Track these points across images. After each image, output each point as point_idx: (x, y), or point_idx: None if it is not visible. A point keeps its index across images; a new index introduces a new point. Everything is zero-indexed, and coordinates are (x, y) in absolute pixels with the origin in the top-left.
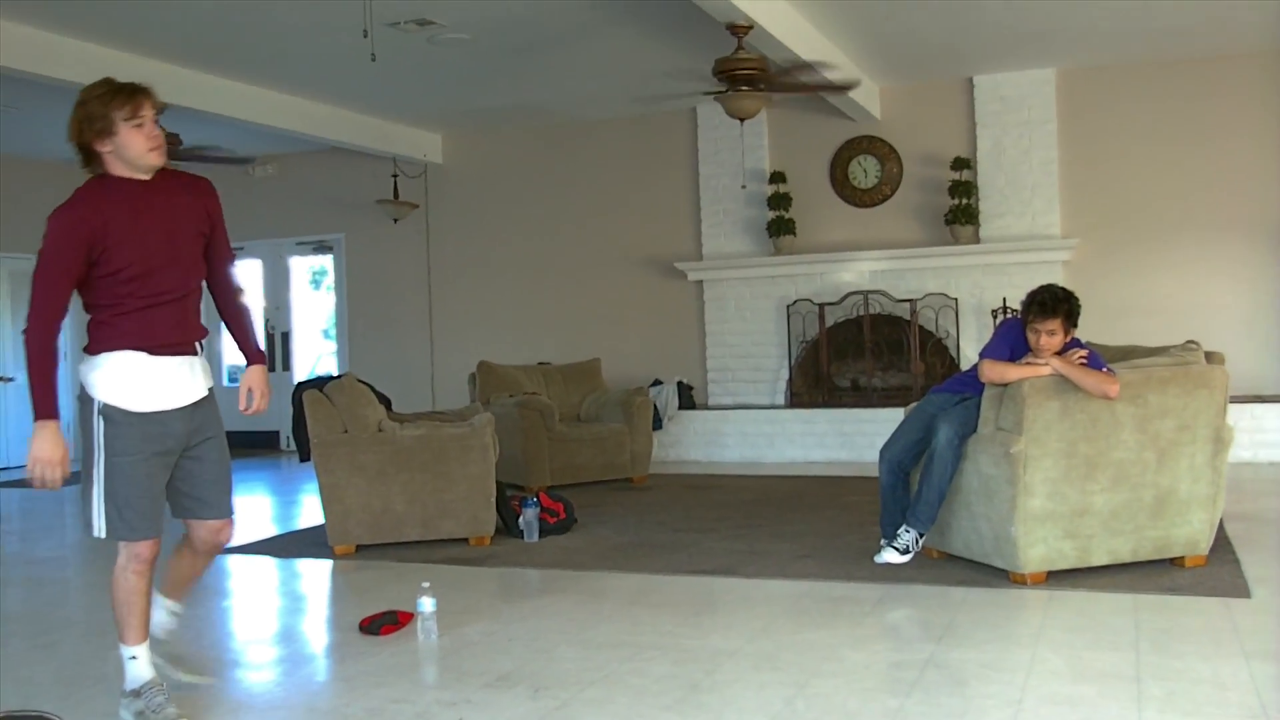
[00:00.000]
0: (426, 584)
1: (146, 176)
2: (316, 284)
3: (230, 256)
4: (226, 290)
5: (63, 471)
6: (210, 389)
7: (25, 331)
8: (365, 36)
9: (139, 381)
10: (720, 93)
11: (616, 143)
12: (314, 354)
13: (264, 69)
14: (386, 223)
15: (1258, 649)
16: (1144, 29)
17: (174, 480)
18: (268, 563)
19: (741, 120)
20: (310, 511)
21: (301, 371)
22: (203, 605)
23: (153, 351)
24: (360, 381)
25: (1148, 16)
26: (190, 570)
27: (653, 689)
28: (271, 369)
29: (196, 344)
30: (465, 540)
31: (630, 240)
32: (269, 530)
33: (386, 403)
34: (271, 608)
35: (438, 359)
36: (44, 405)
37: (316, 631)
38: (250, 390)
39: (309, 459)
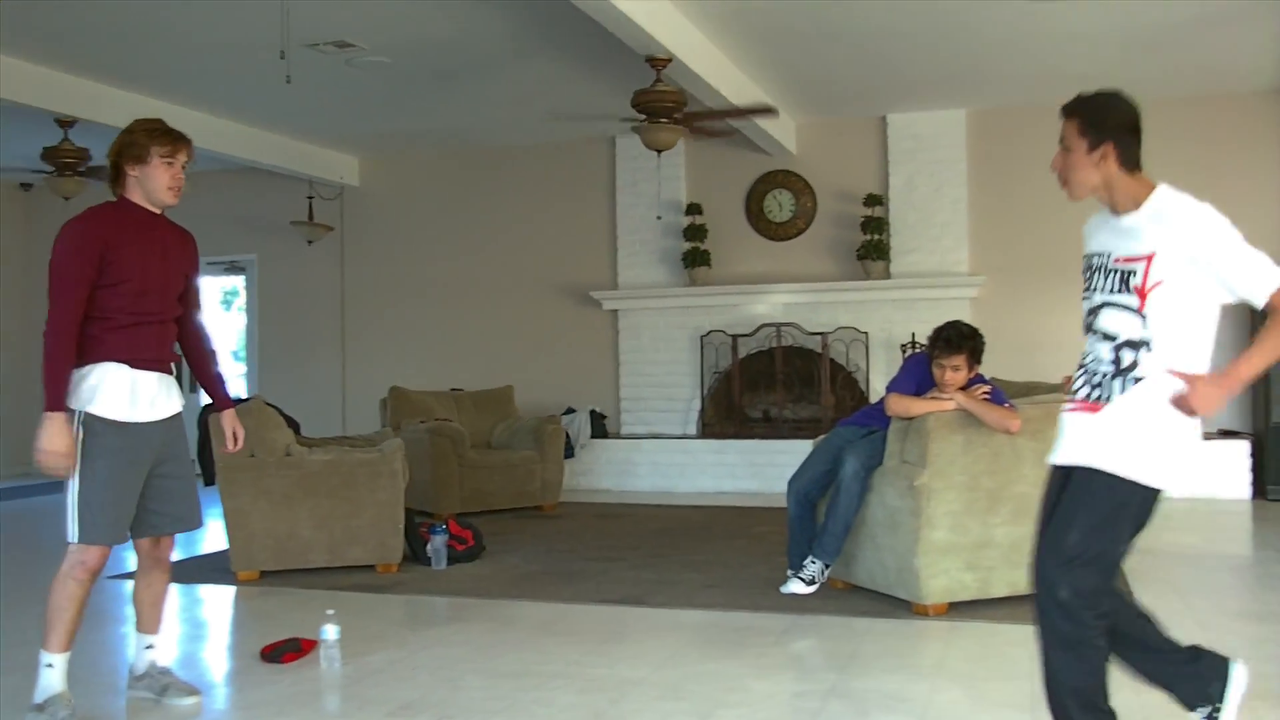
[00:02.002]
0: (331, 611)
1: (156, 210)
2: (228, 305)
3: (201, 309)
4: (200, 339)
5: (68, 462)
6: (180, 410)
7: (47, 328)
8: (282, 58)
9: (121, 392)
10: (639, 124)
11: (535, 171)
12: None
13: (179, 86)
14: (300, 244)
15: None
16: (1050, 74)
17: (143, 499)
18: (169, 588)
19: (659, 152)
20: (214, 536)
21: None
22: (101, 630)
23: (134, 365)
24: (269, 405)
25: (1054, 62)
26: (160, 592)
27: (558, 718)
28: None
29: (171, 365)
30: (372, 567)
31: (546, 268)
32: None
33: (295, 427)
34: (171, 634)
35: (350, 383)
36: (55, 399)
37: (217, 659)
38: (234, 432)
39: (214, 483)
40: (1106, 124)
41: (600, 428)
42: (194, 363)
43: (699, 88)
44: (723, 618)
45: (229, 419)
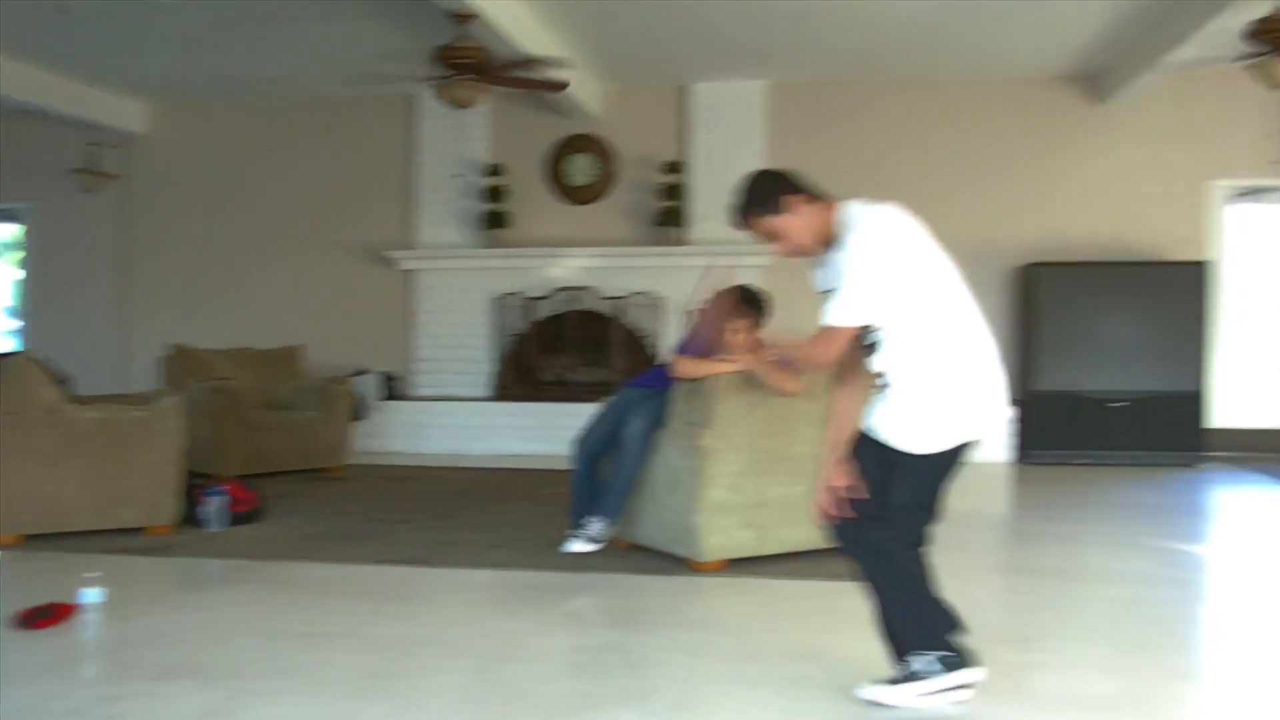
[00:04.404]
0: (93, 574)
1: None
2: None
3: None
4: None
5: None
6: None
7: None
8: None
9: None
10: (438, 80)
11: (333, 124)
12: None
13: None
14: (82, 193)
15: None
16: (849, 51)
17: None
18: None
19: (459, 109)
20: None
21: None
22: None
23: None
24: (34, 360)
25: (851, 39)
26: None
27: (333, 677)
28: None
29: None
30: (145, 529)
31: (342, 226)
32: None
33: (68, 383)
34: None
35: (135, 340)
36: None
37: None
38: None
39: None
40: (767, 193)
41: (393, 389)
42: None
43: (503, 46)
44: (507, 577)
45: None
